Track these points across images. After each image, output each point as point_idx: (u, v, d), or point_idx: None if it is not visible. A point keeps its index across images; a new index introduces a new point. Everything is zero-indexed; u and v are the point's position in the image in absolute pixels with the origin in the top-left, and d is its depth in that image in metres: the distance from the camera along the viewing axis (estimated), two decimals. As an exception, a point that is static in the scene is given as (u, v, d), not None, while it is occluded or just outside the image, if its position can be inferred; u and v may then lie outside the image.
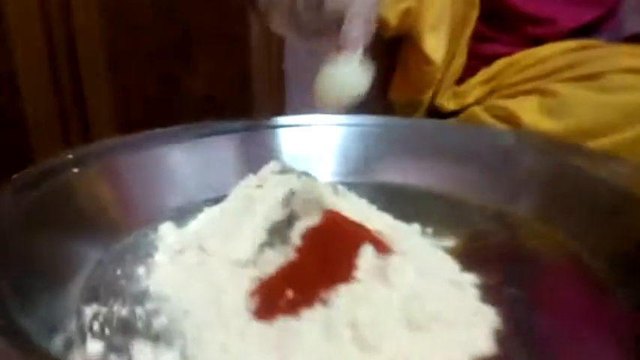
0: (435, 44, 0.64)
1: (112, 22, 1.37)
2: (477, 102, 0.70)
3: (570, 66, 0.63)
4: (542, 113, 0.61)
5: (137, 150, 0.47)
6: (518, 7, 0.70)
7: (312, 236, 0.34)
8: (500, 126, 0.63)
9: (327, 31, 0.41)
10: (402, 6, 0.61)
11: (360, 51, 0.40)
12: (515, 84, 0.67)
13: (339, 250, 0.32)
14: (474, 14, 0.68)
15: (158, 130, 0.50)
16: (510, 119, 0.63)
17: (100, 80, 1.40)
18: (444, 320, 0.30)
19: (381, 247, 0.32)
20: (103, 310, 0.34)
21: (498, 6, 0.70)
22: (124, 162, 0.46)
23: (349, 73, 0.39)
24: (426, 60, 0.65)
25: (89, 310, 0.34)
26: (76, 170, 0.43)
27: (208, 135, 0.50)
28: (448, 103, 0.72)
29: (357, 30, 0.39)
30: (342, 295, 0.30)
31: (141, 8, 1.39)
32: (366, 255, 0.31)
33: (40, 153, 1.33)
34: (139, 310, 0.34)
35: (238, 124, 0.51)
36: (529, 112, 0.61)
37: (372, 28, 0.41)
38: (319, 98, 0.39)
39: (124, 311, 0.34)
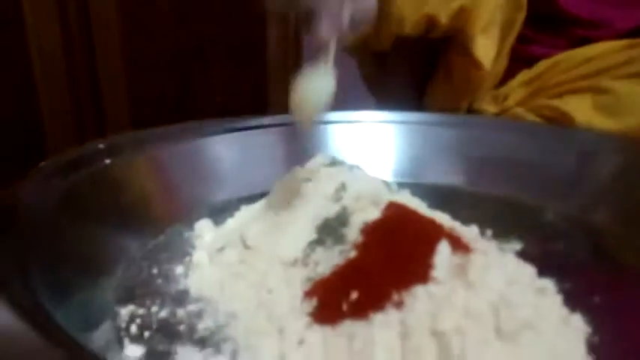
0: (485, 48, 0.60)
1: (130, 26, 1.35)
2: (518, 104, 0.67)
3: (624, 63, 0.59)
4: (596, 111, 0.57)
5: (172, 142, 0.44)
6: (572, 10, 0.66)
7: (376, 231, 0.30)
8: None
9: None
10: (456, 4, 0.58)
11: (330, 52, 0.37)
12: (562, 83, 0.63)
13: (411, 246, 0.28)
14: (521, 17, 0.65)
15: (195, 122, 0.46)
16: (561, 119, 0.59)
17: (117, 83, 1.37)
18: (535, 329, 0.26)
19: (459, 245, 0.28)
20: (140, 311, 0.30)
21: (549, 9, 0.67)
22: (158, 155, 0.42)
23: (315, 84, 0.36)
24: (475, 64, 0.61)
25: (125, 311, 0.30)
26: (107, 161, 0.39)
27: (248, 129, 0.46)
28: (488, 107, 0.68)
29: (325, 29, 0.37)
30: (420, 298, 0.26)
31: (159, 13, 1.37)
32: (444, 253, 0.27)
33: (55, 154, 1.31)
34: (180, 312, 0.31)
35: (281, 118, 0.47)
36: (582, 110, 0.57)
37: (343, 28, 0.37)
38: (293, 112, 0.36)
39: (163, 313, 0.31)
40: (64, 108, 1.32)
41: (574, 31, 0.67)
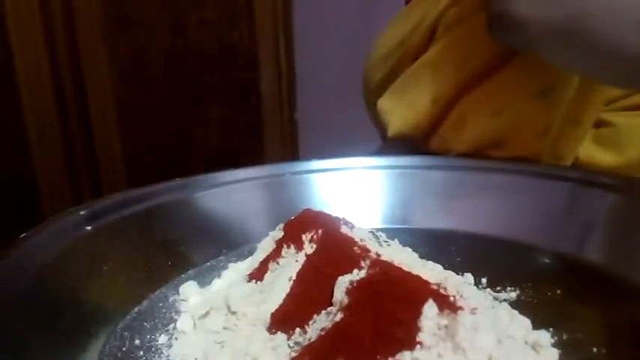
0: None
1: (122, 74, 1.36)
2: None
3: (623, 96, 0.59)
4: (597, 145, 0.57)
5: (154, 203, 0.43)
6: None
7: (361, 292, 0.29)
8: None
9: None
10: None
11: None
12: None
13: (396, 307, 0.27)
14: None
15: (177, 181, 0.45)
16: None
17: (110, 133, 1.38)
18: (530, 392, 0.25)
19: (446, 304, 0.27)
20: (120, 388, 0.29)
21: None
22: (141, 216, 0.42)
23: None
24: None
25: (103, 390, 0.29)
26: (88, 228, 0.39)
27: (233, 183, 0.45)
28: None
29: None
30: (407, 365, 0.25)
31: (151, 59, 1.38)
32: (430, 314, 0.26)
33: (48, 209, 1.30)
34: (161, 388, 0.29)
35: (265, 170, 0.47)
36: (583, 144, 0.57)
37: None
38: None
39: (143, 389, 0.29)
40: (57, 160, 1.33)
41: None
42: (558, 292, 0.36)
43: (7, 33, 1.25)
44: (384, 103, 0.59)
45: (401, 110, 0.57)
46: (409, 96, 0.57)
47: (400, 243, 0.41)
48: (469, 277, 0.38)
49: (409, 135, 0.58)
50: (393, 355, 0.25)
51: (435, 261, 0.39)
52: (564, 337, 0.31)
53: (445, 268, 0.38)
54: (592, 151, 0.57)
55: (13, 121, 1.28)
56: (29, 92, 1.28)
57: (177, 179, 0.46)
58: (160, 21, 1.39)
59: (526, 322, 0.31)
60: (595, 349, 0.30)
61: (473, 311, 0.27)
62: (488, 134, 0.53)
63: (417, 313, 0.26)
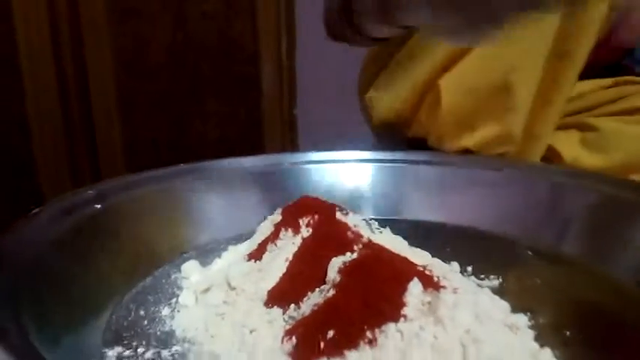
0: None
1: (124, 65, 1.38)
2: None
3: (610, 101, 0.62)
4: (583, 147, 0.59)
5: (160, 186, 0.45)
6: None
7: (353, 271, 0.31)
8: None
9: None
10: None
11: None
12: None
13: (384, 285, 0.29)
14: None
15: (182, 166, 0.48)
16: (548, 154, 0.61)
17: (111, 124, 1.40)
18: (504, 364, 0.27)
19: (430, 283, 0.30)
20: (127, 352, 0.32)
21: None
22: (147, 198, 0.44)
23: None
24: None
25: (112, 353, 0.31)
26: (97, 206, 0.41)
27: (234, 171, 0.48)
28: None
29: None
30: (391, 335, 0.27)
31: (153, 51, 1.40)
32: (415, 291, 0.29)
33: (50, 198, 1.33)
34: (164, 353, 0.32)
35: (265, 159, 0.49)
36: (570, 146, 0.60)
37: None
38: None
39: (149, 354, 0.32)
40: (58, 149, 1.34)
41: None
42: (538, 281, 0.39)
43: (12, 21, 1.27)
44: (371, 95, 0.62)
45: (384, 99, 0.60)
46: (391, 86, 0.60)
47: (391, 232, 0.43)
48: (455, 266, 0.41)
49: (392, 122, 0.61)
50: (379, 327, 0.28)
51: (424, 250, 0.41)
52: (540, 321, 0.34)
53: (433, 257, 0.40)
54: (578, 154, 0.60)
55: (16, 111, 1.29)
56: (32, 83, 1.30)
57: (182, 165, 0.48)
58: (162, 14, 1.41)
59: (505, 305, 0.33)
60: (568, 333, 0.33)
61: (455, 290, 0.29)
62: (462, 112, 0.56)
63: (403, 290, 0.29)
